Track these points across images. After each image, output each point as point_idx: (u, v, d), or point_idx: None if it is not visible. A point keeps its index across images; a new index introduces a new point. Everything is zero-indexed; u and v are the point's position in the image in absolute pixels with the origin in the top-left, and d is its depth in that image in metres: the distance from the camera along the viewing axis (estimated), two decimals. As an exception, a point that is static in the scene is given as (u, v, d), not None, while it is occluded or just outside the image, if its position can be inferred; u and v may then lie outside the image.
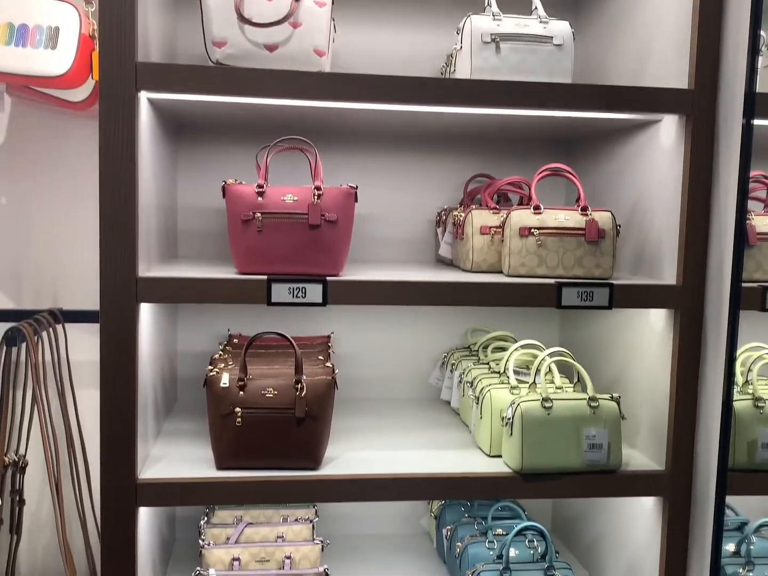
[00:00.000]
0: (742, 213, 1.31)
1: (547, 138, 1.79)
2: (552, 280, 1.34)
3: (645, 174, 1.47)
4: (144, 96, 1.27)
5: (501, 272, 1.46)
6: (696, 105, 1.32)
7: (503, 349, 1.64)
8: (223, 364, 1.41)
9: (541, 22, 1.36)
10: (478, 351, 1.67)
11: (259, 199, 1.31)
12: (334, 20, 1.40)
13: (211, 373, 1.34)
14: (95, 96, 1.50)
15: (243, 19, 1.29)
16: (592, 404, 1.35)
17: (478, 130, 1.63)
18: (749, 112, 1.29)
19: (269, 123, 1.60)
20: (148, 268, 1.33)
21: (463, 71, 1.38)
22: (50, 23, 1.38)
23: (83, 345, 1.69)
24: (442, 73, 1.65)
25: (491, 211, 1.49)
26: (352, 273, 1.37)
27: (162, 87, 1.23)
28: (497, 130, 1.60)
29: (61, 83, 1.39)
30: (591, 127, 1.57)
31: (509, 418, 1.34)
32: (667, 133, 1.39)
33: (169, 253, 1.62)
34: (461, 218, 1.52)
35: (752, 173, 1.35)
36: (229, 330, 1.70)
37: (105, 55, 1.21)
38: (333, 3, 1.35)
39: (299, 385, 1.32)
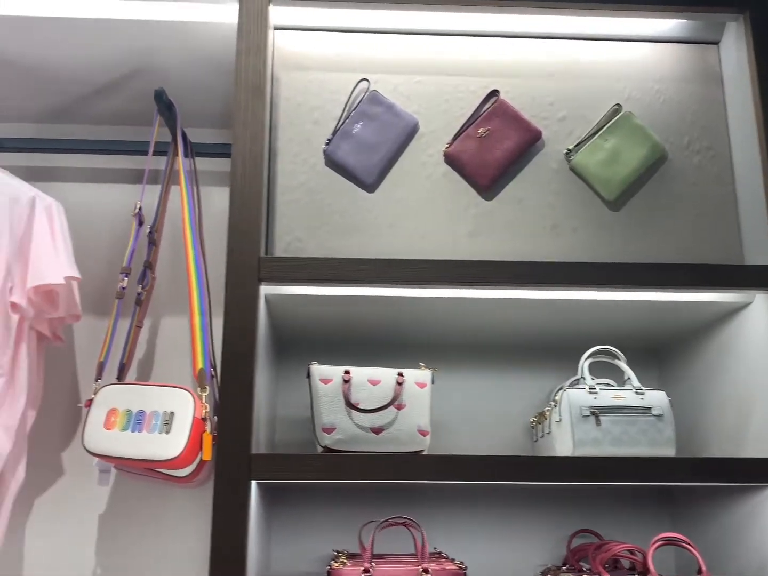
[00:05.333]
0: None
1: (649, 497, 1.74)
2: None
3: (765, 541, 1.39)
4: (254, 483, 1.31)
5: None
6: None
7: None
8: None
9: (636, 393, 1.40)
10: None
11: (365, 584, 1.27)
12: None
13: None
14: (199, 470, 1.54)
15: (350, 405, 1.35)
16: None
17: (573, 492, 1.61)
18: None
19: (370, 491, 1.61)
20: None
21: (564, 443, 1.39)
22: (166, 408, 1.47)
23: None
24: (532, 427, 1.67)
25: (605, 583, 1.40)
26: None
27: (272, 475, 1.27)
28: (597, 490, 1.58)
29: (172, 465, 1.44)
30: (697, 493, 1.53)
31: None
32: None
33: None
34: (573, 591, 1.43)
35: None
36: None
37: (222, 445, 1.27)
38: (433, 382, 1.42)
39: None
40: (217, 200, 1.92)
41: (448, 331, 1.66)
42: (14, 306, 1.51)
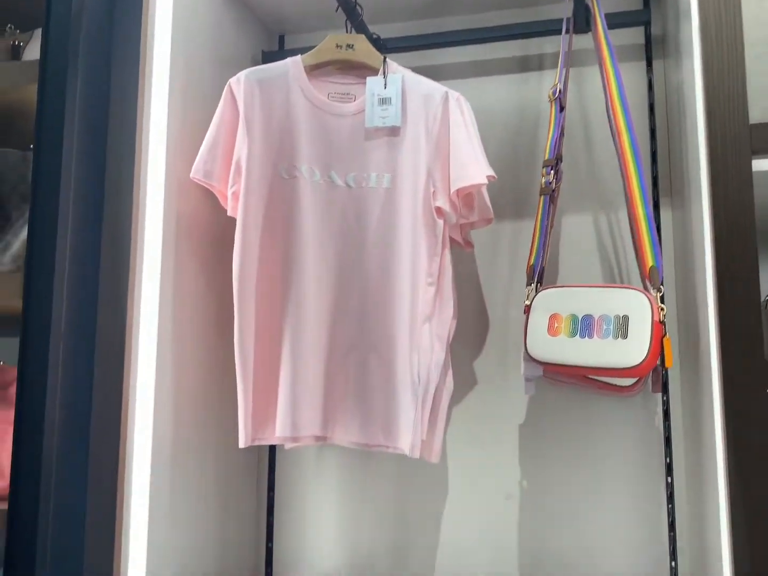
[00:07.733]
0: None
1: None
2: None
3: None
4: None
5: None
6: None
7: None
8: None
9: None
10: None
11: None
12: None
13: None
14: (639, 382, 1.40)
15: None
16: None
17: None
18: None
19: None
20: None
21: None
22: (618, 312, 1.31)
23: None
24: None
25: None
26: None
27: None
28: None
29: (634, 373, 1.29)
30: None
31: None
32: None
33: None
34: None
35: None
36: None
37: (727, 351, 1.08)
38: None
39: None
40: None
41: None
42: (439, 211, 1.42)
